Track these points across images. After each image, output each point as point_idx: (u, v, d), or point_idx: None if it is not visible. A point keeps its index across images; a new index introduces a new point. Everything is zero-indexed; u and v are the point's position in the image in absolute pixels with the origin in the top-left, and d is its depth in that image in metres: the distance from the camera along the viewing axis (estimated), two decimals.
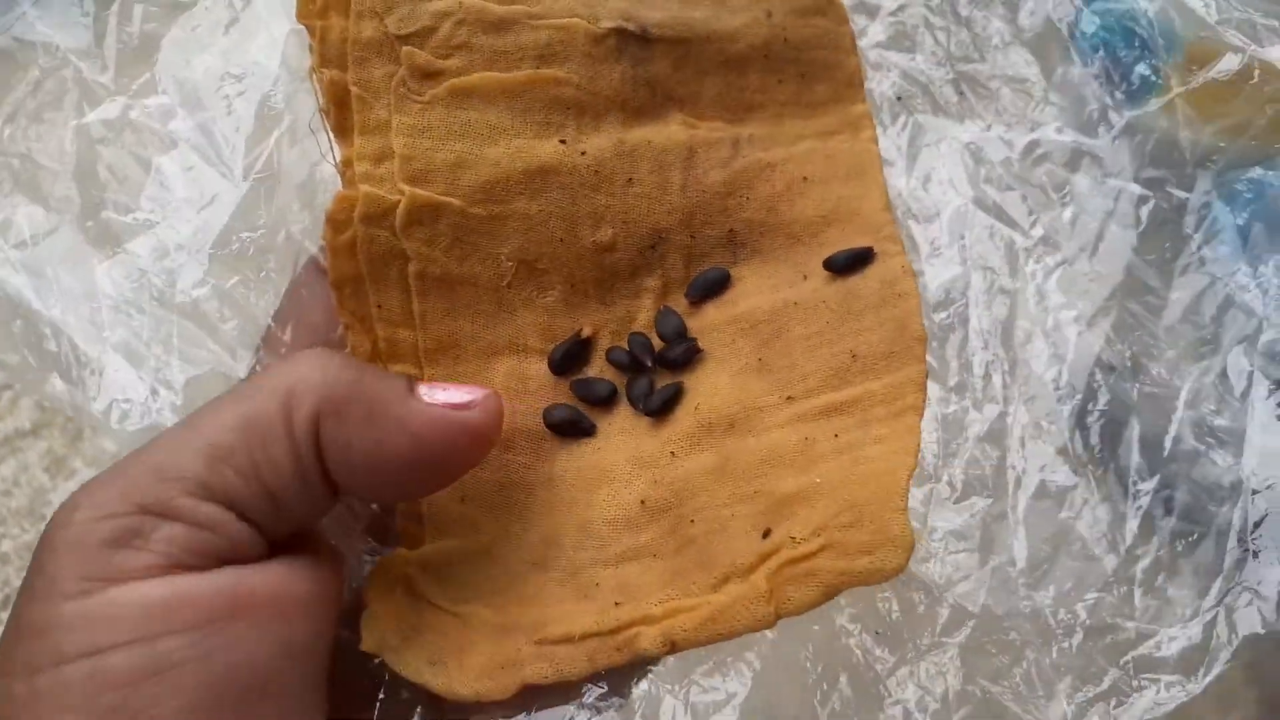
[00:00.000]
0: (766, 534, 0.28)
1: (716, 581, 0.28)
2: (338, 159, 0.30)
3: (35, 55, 0.31)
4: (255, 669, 0.24)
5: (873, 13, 0.33)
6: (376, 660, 0.27)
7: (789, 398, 0.30)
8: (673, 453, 0.30)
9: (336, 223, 0.30)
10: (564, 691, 0.28)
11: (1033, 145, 0.30)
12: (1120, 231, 0.29)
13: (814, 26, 0.33)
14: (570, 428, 0.31)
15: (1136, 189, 0.29)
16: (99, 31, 0.31)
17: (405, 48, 0.31)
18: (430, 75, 0.31)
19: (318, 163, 0.31)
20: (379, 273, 0.30)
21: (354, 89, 0.30)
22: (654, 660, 0.28)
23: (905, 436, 0.28)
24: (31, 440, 0.51)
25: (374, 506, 0.31)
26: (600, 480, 0.30)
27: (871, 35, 0.33)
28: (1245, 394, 0.26)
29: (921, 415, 0.28)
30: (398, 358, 0.30)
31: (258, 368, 0.30)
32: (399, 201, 0.30)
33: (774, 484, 0.28)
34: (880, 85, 0.32)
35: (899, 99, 0.32)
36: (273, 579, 0.25)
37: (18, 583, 0.46)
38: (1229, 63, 0.27)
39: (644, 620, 0.28)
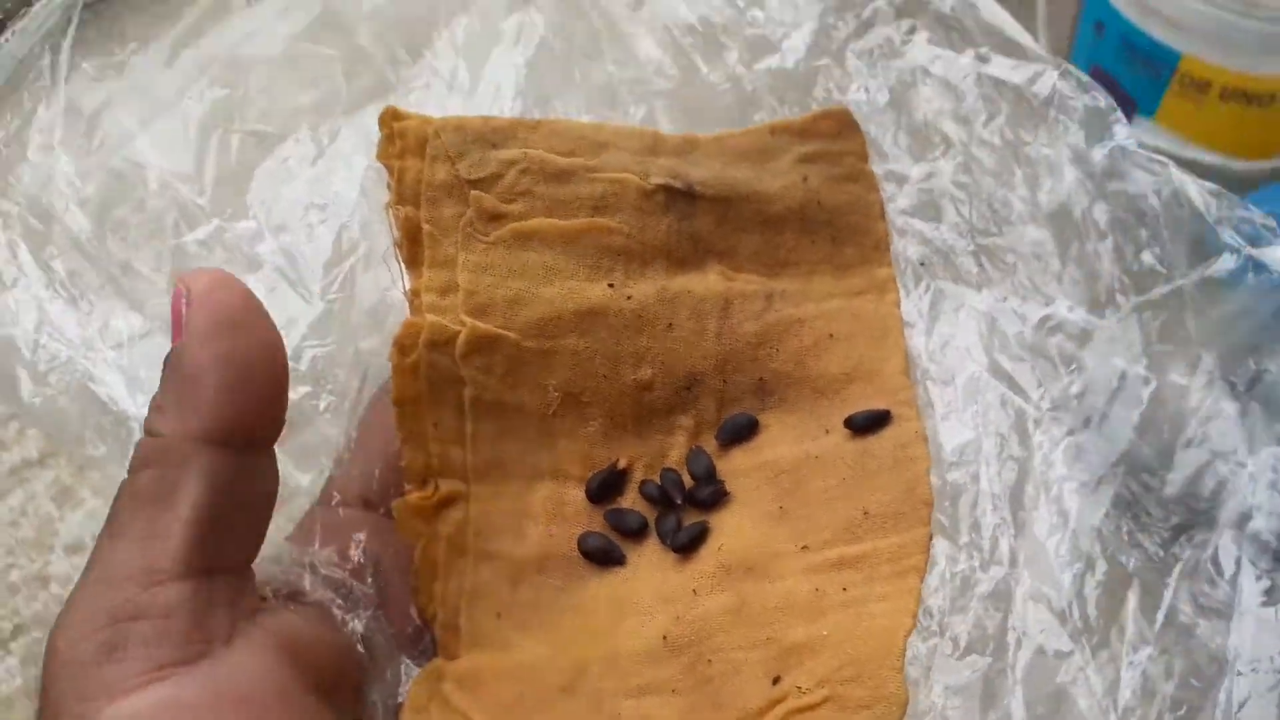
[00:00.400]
0: (776, 680, 0.30)
1: None
2: (407, 288, 0.33)
3: (144, 177, 0.34)
4: None
5: (901, 181, 0.35)
6: None
7: (804, 547, 0.32)
8: (695, 590, 0.32)
9: (404, 346, 0.32)
10: None
11: (1045, 320, 0.33)
12: (1124, 407, 0.31)
13: (847, 193, 0.36)
14: (603, 556, 0.33)
15: (1141, 369, 0.31)
16: (199, 159, 0.34)
17: (474, 191, 0.34)
18: (495, 217, 0.34)
19: (388, 289, 0.34)
20: (438, 395, 0.33)
21: (425, 226, 0.33)
22: None
23: (906, 597, 0.30)
24: (39, 470, 0.51)
25: (413, 616, 0.33)
26: (627, 611, 0.32)
27: (899, 202, 0.35)
28: (1234, 578, 0.28)
29: (923, 577, 0.30)
30: (448, 473, 0.33)
31: (329, 482, 0.32)
32: (460, 332, 0.32)
33: (785, 631, 0.30)
34: (905, 249, 0.35)
35: (922, 264, 0.34)
36: (249, 673, 0.26)
37: (26, 613, 0.47)
38: (1226, 262, 0.30)
39: None
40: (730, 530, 0.33)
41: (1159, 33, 0.49)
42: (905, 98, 0.36)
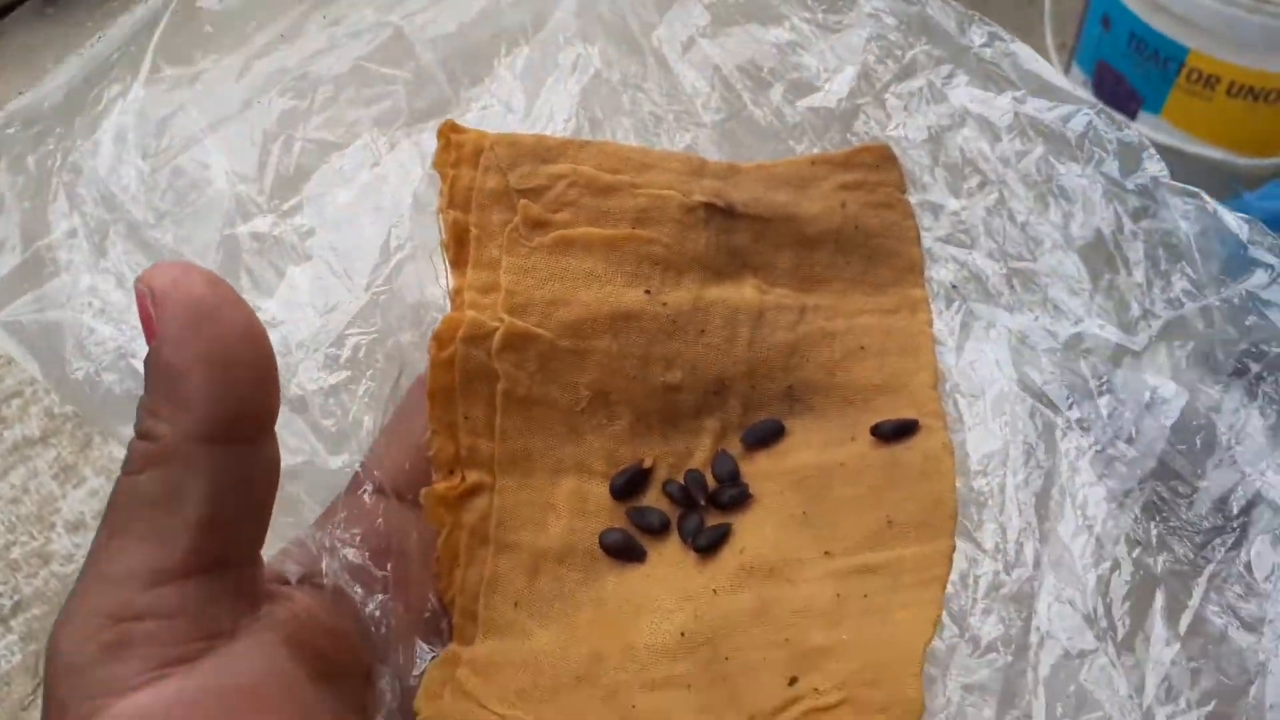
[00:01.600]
0: (793, 681, 0.29)
1: None
2: (450, 287, 0.34)
3: (207, 175, 0.36)
4: None
5: (936, 211, 0.36)
6: None
7: (827, 553, 0.32)
8: (715, 590, 0.32)
9: (441, 340, 0.33)
10: None
11: (1076, 339, 0.33)
12: (1154, 423, 0.31)
13: (882, 218, 0.37)
14: (624, 552, 0.33)
15: (1173, 387, 0.31)
16: (261, 161, 0.36)
17: (522, 200, 0.35)
18: (540, 225, 0.35)
19: (429, 288, 0.35)
20: (471, 388, 0.33)
21: (474, 229, 0.35)
22: None
23: (929, 607, 0.29)
24: (41, 448, 0.51)
25: (431, 601, 0.33)
26: (646, 607, 0.32)
27: (934, 231, 0.36)
28: (1270, 577, 0.27)
29: (945, 587, 0.30)
30: (475, 465, 0.33)
31: (359, 469, 0.33)
32: (498, 328, 0.33)
33: (804, 634, 0.30)
34: (938, 274, 0.35)
35: (954, 286, 0.35)
36: (253, 668, 0.26)
37: (27, 590, 0.47)
38: (1259, 278, 0.30)
39: None
40: (752, 533, 0.33)
41: (1167, 28, 0.49)
42: (943, 135, 0.37)
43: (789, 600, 0.31)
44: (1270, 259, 0.30)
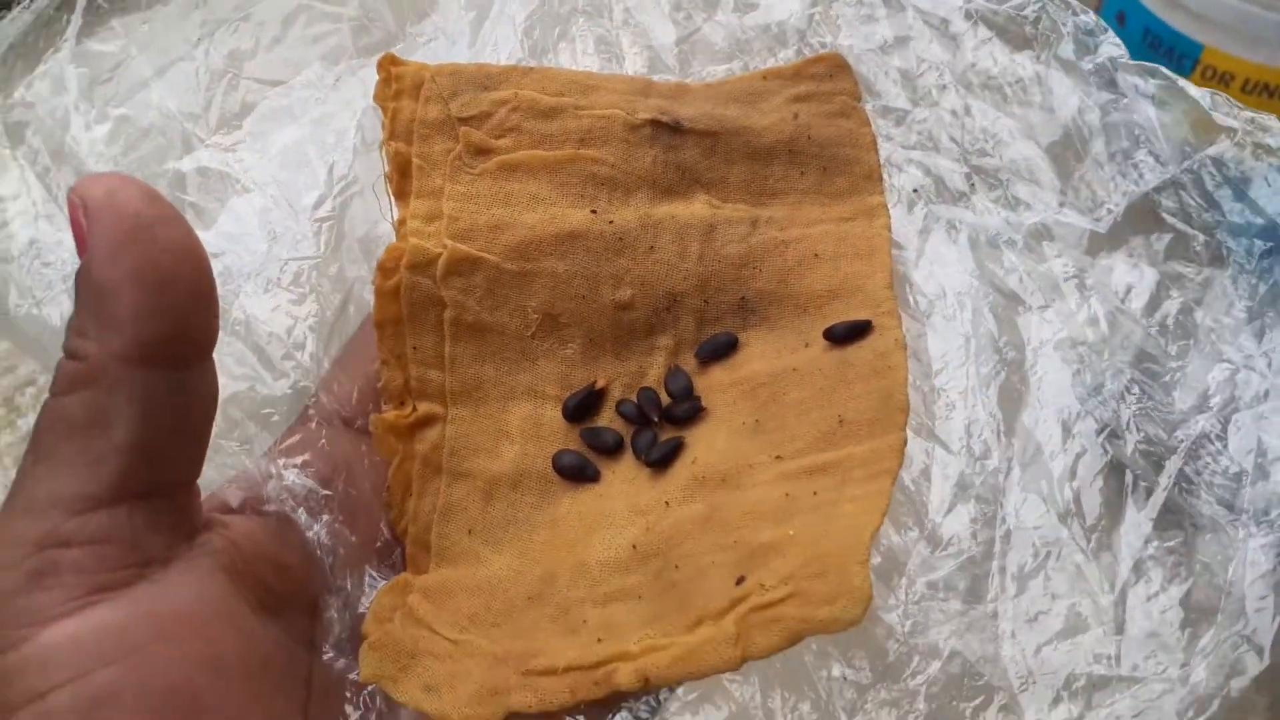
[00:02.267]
0: (740, 581, 0.28)
1: (690, 624, 0.28)
2: (395, 218, 0.34)
3: (152, 116, 0.35)
4: (190, 689, 0.24)
5: (892, 116, 0.35)
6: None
7: (778, 457, 0.30)
8: (667, 502, 0.31)
9: (386, 270, 0.32)
10: None
11: (1040, 229, 0.31)
12: (1126, 308, 0.29)
13: (838, 127, 0.36)
14: (577, 473, 0.32)
15: (1147, 273, 0.30)
16: (207, 100, 0.36)
17: (464, 128, 0.34)
18: (483, 152, 0.34)
19: (377, 221, 0.34)
20: (418, 316, 0.32)
21: (416, 160, 0.34)
22: (631, 694, 0.28)
23: (877, 498, 0.28)
24: None
25: (383, 531, 0.32)
26: (599, 524, 0.31)
27: (895, 138, 0.35)
28: (1246, 458, 0.25)
29: (895, 479, 0.28)
30: (426, 395, 0.32)
31: (311, 405, 0.32)
32: (441, 254, 0.32)
33: (752, 535, 0.29)
34: (900, 181, 0.34)
35: (915, 191, 0.33)
36: (188, 595, 0.25)
37: None
38: (1222, 145, 0.28)
39: (622, 657, 0.28)
40: (705, 445, 0.32)
41: (1181, 24, 0.48)
42: (896, 40, 0.36)
43: (738, 504, 0.30)
44: (1234, 122, 0.28)
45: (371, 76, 0.36)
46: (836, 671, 0.26)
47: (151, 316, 0.24)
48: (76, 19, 0.35)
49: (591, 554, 0.30)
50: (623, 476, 0.32)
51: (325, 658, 0.29)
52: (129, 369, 0.25)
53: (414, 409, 0.32)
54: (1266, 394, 0.26)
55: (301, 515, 0.30)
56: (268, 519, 0.30)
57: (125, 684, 0.23)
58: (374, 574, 0.31)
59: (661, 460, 0.31)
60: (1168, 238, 0.31)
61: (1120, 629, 0.24)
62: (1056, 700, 0.24)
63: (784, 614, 0.26)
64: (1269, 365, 0.27)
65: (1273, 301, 0.28)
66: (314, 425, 0.32)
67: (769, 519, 0.29)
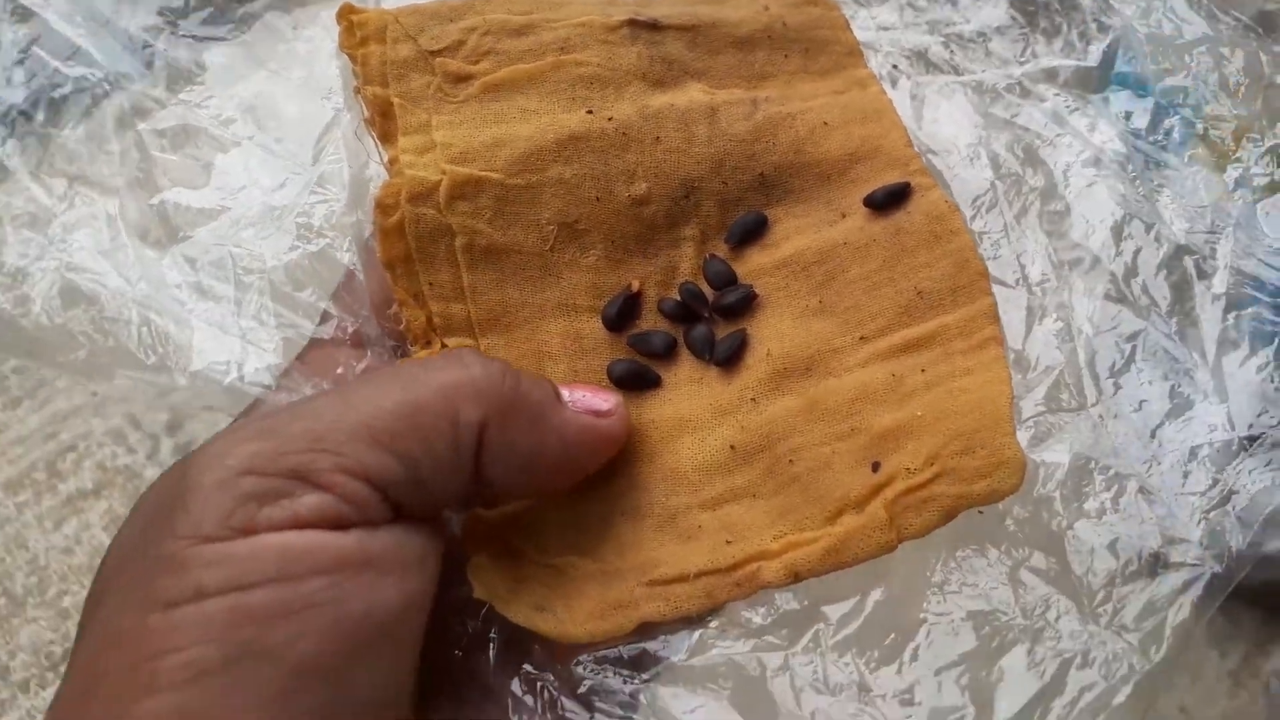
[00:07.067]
0: (876, 467, 0.28)
1: (831, 515, 0.28)
2: (384, 160, 0.32)
3: (89, 86, 0.32)
4: (382, 615, 0.24)
5: (863, 2, 0.36)
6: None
7: (862, 337, 0.30)
8: (753, 399, 0.30)
9: (385, 207, 0.31)
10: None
11: (1033, 74, 0.32)
12: (1132, 126, 0.30)
13: (807, 14, 0.36)
14: (636, 379, 0.31)
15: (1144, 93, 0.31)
16: (148, 59, 0.33)
17: (439, 59, 0.33)
18: (463, 79, 0.33)
19: (365, 164, 0.33)
20: (427, 250, 0.31)
21: (396, 99, 0.32)
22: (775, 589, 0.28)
23: (994, 366, 0.29)
24: (93, 500, 0.54)
25: None
26: (680, 429, 0.30)
27: (862, 21, 0.35)
28: None
29: (1001, 345, 0.29)
30: (452, 331, 0.31)
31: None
32: (441, 180, 0.31)
33: (870, 420, 0.29)
34: (879, 63, 0.35)
35: (895, 67, 0.34)
36: (399, 538, 0.26)
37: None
38: None
39: (761, 555, 0.28)
40: (772, 334, 0.31)
41: None
42: None
43: (840, 391, 0.30)
44: None
45: (330, 20, 0.34)
46: None
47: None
48: None
49: (683, 460, 0.30)
50: (686, 378, 0.31)
51: None
52: None
53: (443, 347, 0.30)
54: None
55: None
56: None
57: (326, 597, 0.23)
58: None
59: (729, 356, 0.31)
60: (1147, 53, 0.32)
61: (1224, 396, 0.25)
62: (1186, 474, 0.25)
63: (936, 493, 0.27)
64: None
65: None
66: (330, 346, 0.31)
67: (883, 403, 0.29)
